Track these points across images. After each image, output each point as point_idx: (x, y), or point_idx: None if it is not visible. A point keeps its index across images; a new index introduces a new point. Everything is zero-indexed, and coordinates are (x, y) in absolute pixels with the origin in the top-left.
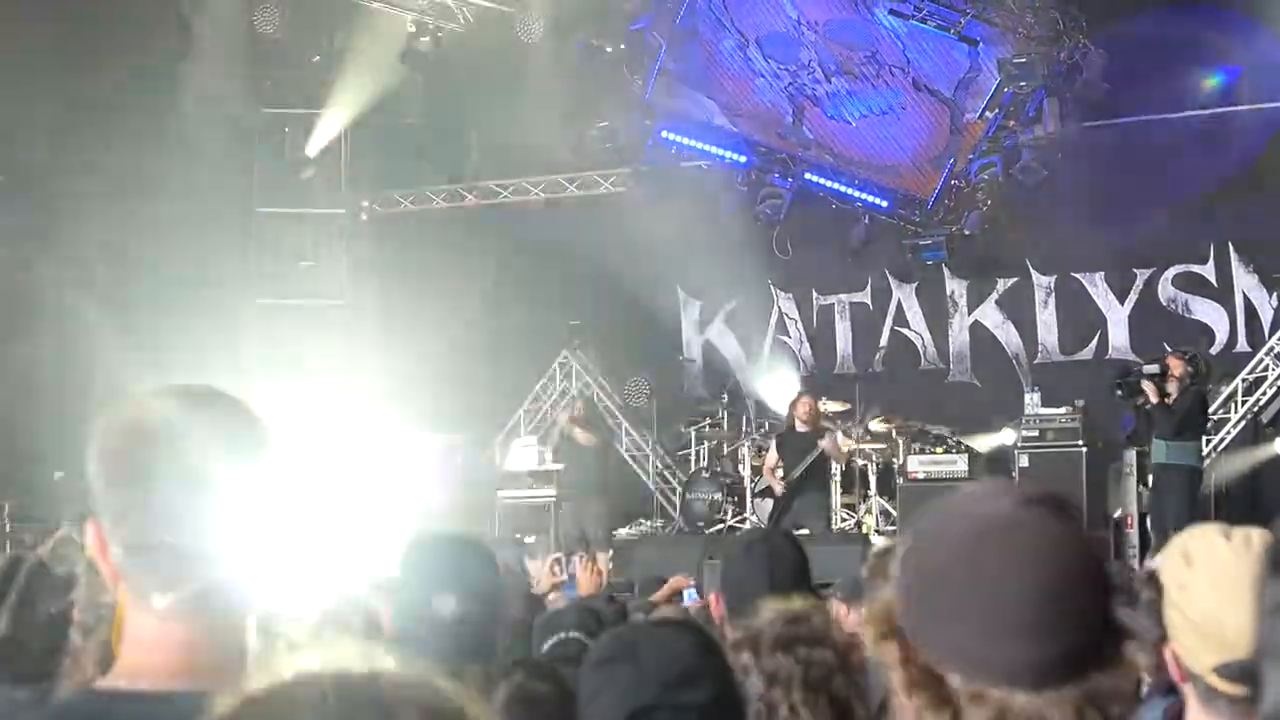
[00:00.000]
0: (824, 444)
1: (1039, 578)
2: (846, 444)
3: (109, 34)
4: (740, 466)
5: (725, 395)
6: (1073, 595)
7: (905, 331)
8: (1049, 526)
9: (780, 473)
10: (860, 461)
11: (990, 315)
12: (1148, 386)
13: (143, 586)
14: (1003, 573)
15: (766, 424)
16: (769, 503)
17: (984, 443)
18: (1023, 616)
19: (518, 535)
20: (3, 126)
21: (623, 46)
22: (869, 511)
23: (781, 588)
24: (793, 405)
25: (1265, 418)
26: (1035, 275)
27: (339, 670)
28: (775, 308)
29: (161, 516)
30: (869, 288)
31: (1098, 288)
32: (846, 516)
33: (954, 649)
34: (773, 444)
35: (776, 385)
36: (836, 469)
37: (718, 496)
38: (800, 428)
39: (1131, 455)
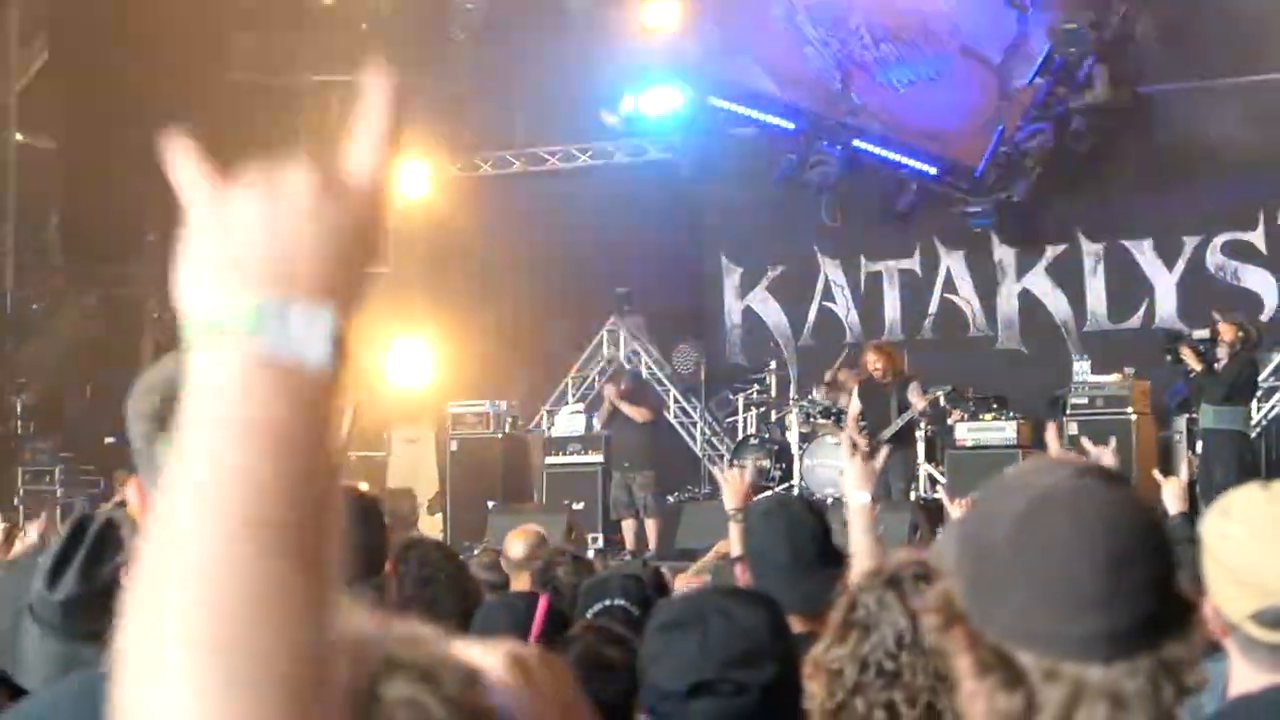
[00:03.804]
0: (920, 405)
1: (1106, 546)
2: (921, 401)
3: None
4: (787, 433)
5: (772, 362)
6: (1140, 563)
7: (954, 298)
8: (1108, 494)
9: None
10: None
11: (1039, 282)
12: (1187, 354)
13: None
14: (1069, 543)
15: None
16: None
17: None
18: (1093, 587)
19: (565, 502)
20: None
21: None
22: (916, 479)
23: (802, 555)
24: (867, 353)
25: None
26: (1084, 242)
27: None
28: (822, 275)
29: None
30: (917, 254)
31: (1146, 255)
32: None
33: (1023, 626)
34: (854, 394)
35: (823, 352)
36: (922, 428)
37: (765, 463)
38: (880, 379)
39: (1182, 422)
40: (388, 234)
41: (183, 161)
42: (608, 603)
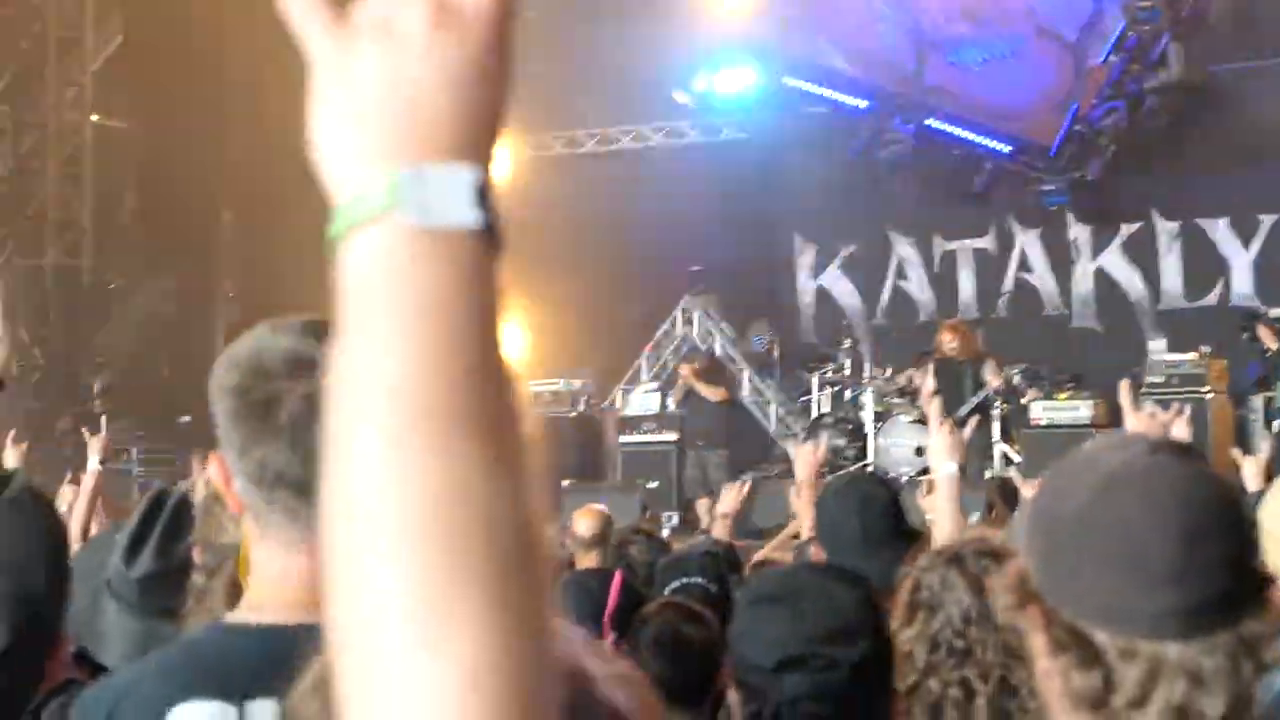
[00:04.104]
0: (995, 384)
1: (1179, 521)
2: (996, 380)
3: None
4: (861, 413)
5: (845, 341)
6: (1215, 538)
7: (1029, 277)
8: (1182, 469)
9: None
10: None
11: (1114, 261)
12: (1263, 332)
13: (267, 519)
14: (1141, 519)
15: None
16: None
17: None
18: (1169, 562)
19: (639, 480)
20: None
21: None
22: (991, 458)
23: (873, 532)
24: (942, 332)
25: None
26: (1159, 220)
27: None
28: (895, 254)
29: (284, 449)
30: (992, 233)
31: (1221, 233)
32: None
33: (1099, 603)
34: (930, 369)
35: (895, 331)
36: (997, 409)
37: (839, 442)
38: (956, 357)
39: (1258, 401)
40: (514, 60)
41: (299, 10)
42: (685, 580)
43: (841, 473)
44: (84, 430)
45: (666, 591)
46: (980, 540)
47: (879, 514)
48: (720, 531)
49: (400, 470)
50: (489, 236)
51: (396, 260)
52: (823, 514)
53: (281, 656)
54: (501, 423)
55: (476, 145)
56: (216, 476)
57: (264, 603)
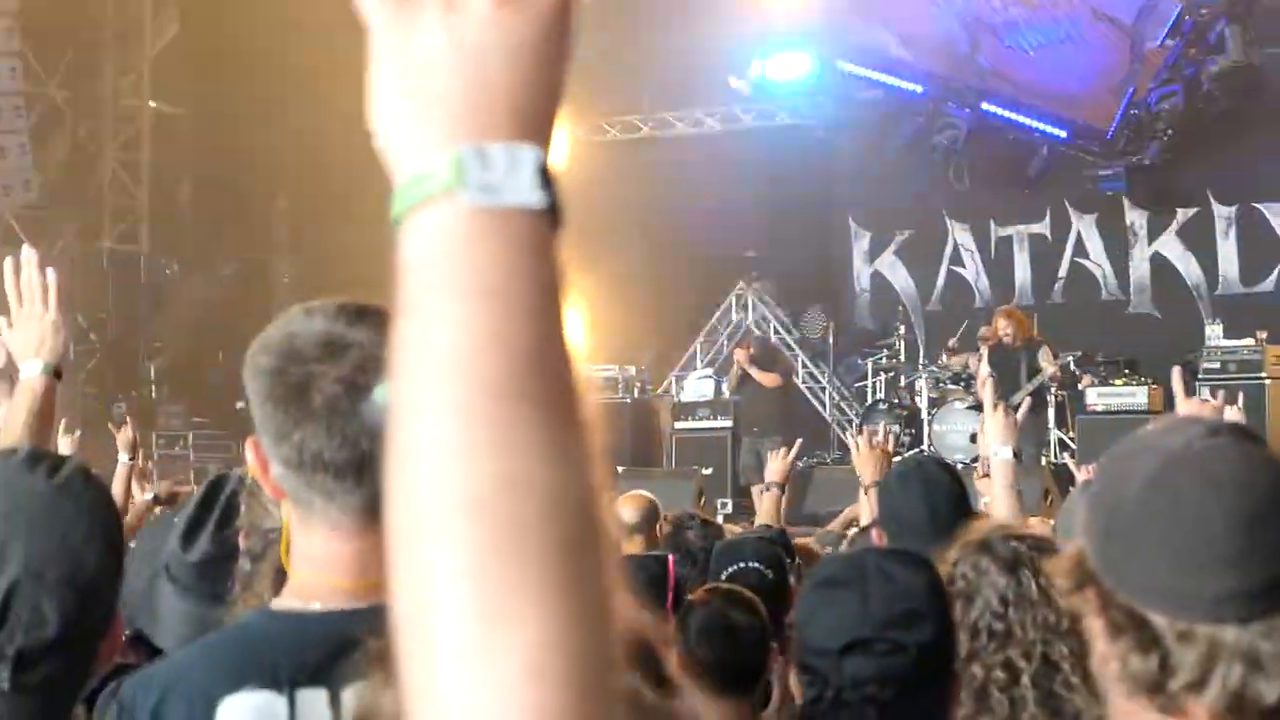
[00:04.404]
0: (1051, 370)
1: (1241, 504)
2: (1052, 366)
3: None
4: (917, 398)
5: (900, 326)
6: (1275, 521)
7: (1085, 262)
8: (1241, 451)
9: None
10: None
11: (1170, 246)
12: None
13: (308, 504)
14: (1203, 501)
15: (944, 355)
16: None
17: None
18: (1228, 545)
19: (694, 466)
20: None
21: None
22: (1047, 444)
23: (939, 516)
24: (996, 319)
25: None
26: (1216, 205)
27: None
28: (951, 239)
29: (320, 432)
30: (1048, 218)
31: (1279, 218)
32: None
33: (1157, 586)
34: (983, 355)
35: (951, 317)
36: (1053, 393)
37: (895, 428)
38: (1010, 344)
39: None
40: (577, 31)
41: None
42: (741, 565)
43: (903, 457)
44: (111, 425)
45: (723, 576)
46: (1005, 527)
47: (944, 498)
48: (769, 503)
49: (462, 451)
50: (551, 216)
51: (459, 240)
52: (886, 499)
53: (331, 644)
54: (564, 404)
55: (539, 124)
56: (253, 462)
57: (310, 589)
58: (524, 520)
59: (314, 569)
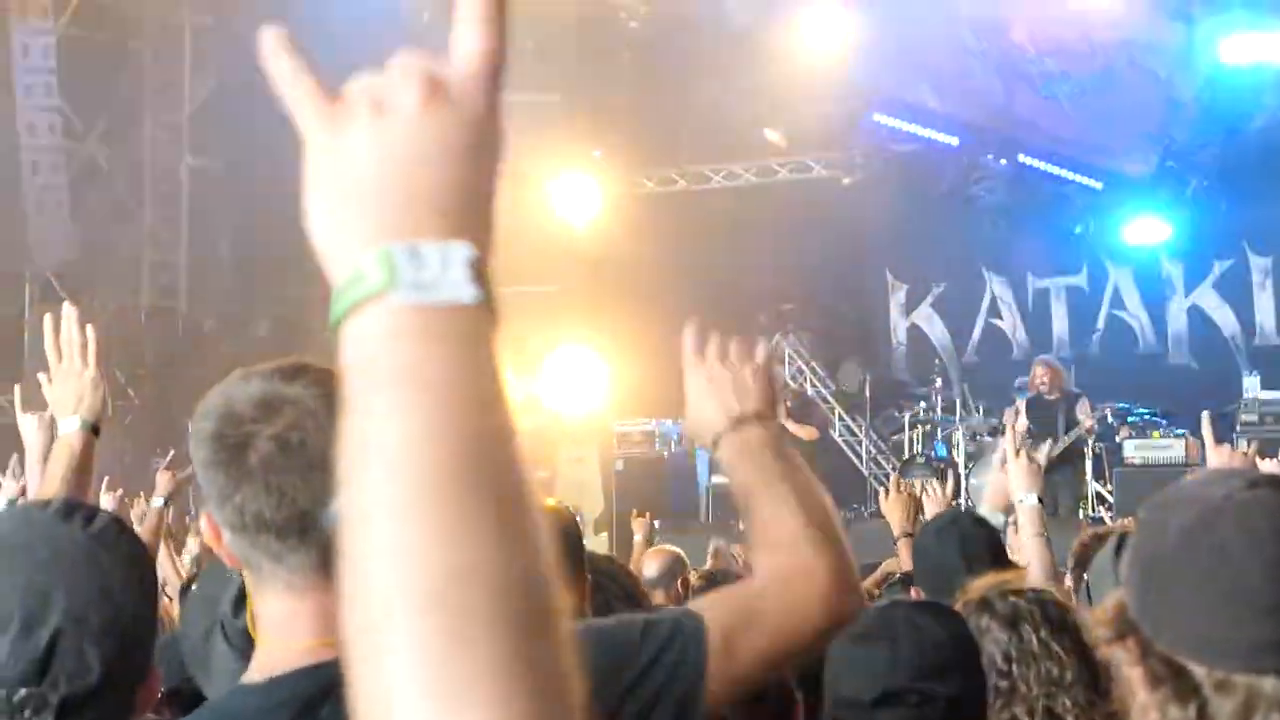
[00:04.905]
0: (1088, 423)
1: (1278, 553)
2: (1089, 419)
3: None
4: (954, 451)
5: (937, 380)
6: None
7: (1122, 314)
8: None
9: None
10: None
11: (1207, 297)
12: None
13: (258, 567)
14: (1243, 552)
15: (980, 407)
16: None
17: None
18: (1266, 595)
19: (731, 521)
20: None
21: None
22: (1084, 497)
23: (977, 569)
24: (1034, 368)
25: None
26: (1252, 256)
27: None
28: (988, 291)
29: (259, 492)
30: (1085, 270)
31: None
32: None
33: (1195, 636)
34: (1021, 406)
35: (988, 369)
36: (1090, 446)
37: (932, 481)
38: (1047, 395)
39: None
40: (507, 131)
41: (287, 74)
42: None
43: (939, 513)
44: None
45: None
46: (1001, 583)
47: (980, 552)
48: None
49: (411, 548)
50: (487, 310)
51: (396, 338)
52: (922, 554)
53: (297, 705)
54: (508, 491)
55: (472, 220)
56: (208, 533)
57: (273, 657)
58: (475, 610)
59: (275, 633)
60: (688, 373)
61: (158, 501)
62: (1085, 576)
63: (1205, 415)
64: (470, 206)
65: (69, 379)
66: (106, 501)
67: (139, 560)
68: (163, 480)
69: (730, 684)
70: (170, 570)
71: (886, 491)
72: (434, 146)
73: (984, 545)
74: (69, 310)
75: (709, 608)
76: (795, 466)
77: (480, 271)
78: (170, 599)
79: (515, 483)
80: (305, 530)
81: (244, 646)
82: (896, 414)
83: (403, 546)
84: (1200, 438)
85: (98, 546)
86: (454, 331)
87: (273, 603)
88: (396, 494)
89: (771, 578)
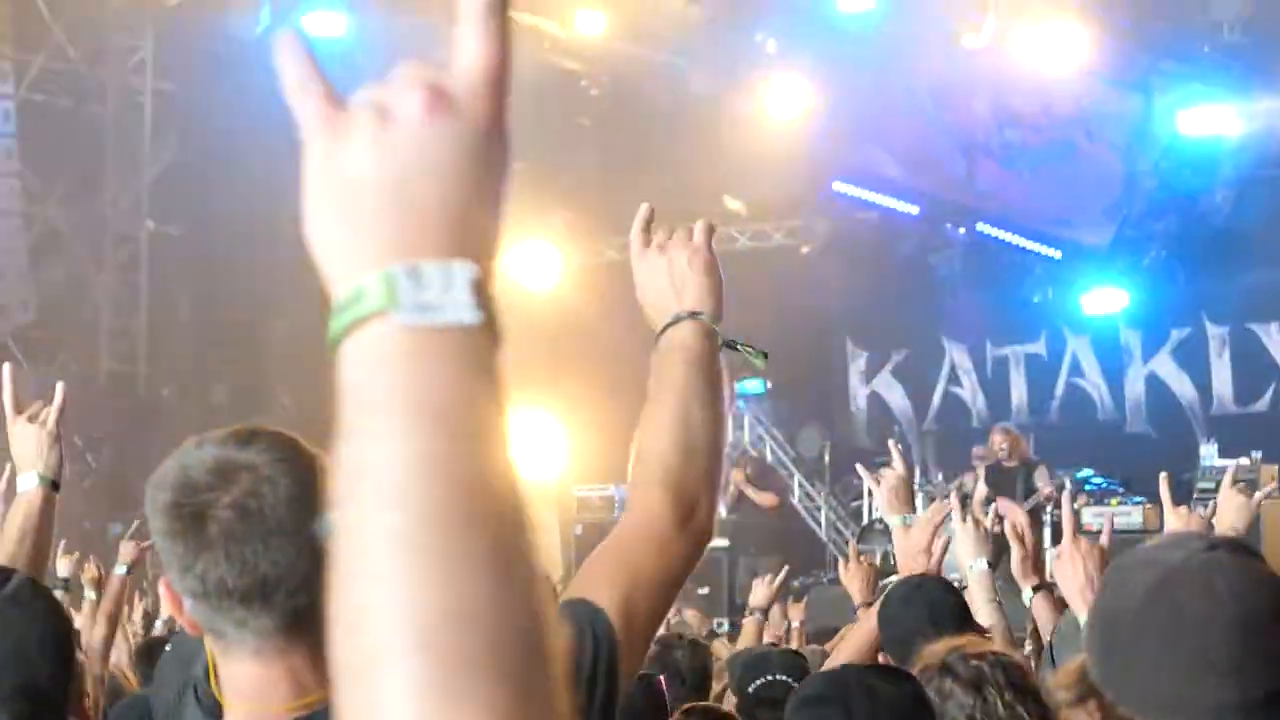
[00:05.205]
0: (1047, 490)
1: (1236, 615)
2: (1048, 486)
3: None
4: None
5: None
6: (1272, 632)
7: (1081, 382)
8: (1240, 565)
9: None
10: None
11: (1165, 366)
12: None
13: (223, 634)
14: (1198, 612)
15: (940, 474)
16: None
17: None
18: (1226, 656)
19: (690, 586)
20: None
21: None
22: (1043, 563)
23: (945, 633)
24: (993, 435)
25: None
26: (1209, 325)
27: None
28: (948, 359)
29: (220, 559)
30: (1043, 339)
31: (1273, 338)
32: None
33: (1157, 697)
34: (980, 476)
35: (948, 436)
36: (1049, 512)
37: (890, 548)
38: (1006, 462)
39: None
40: (511, 144)
41: (294, 79)
42: (769, 678)
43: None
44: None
45: (749, 690)
46: (961, 646)
47: (948, 617)
48: (751, 627)
49: (406, 583)
50: (489, 332)
51: (396, 360)
52: (889, 621)
53: None
54: (507, 529)
55: (475, 239)
56: (169, 603)
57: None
58: (471, 655)
59: (247, 699)
60: (635, 260)
61: (120, 570)
62: (1048, 640)
63: (1163, 476)
64: (474, 223)
65: (26, 437)
66: (63, 566)
67: (54, 620)
68: (126, 549)
69: (631, 656)
70: (120, 638)
71: (846, 561)
72: (437, 159)
73: (950, 611)
74: (7, 370)
75: (600, 584)
76: (692, 378)
77: (483, 292)
78: (124, 672)
79: (513, 519)
80: (268, 596)
81: (216, 711)
82: (856, 481)
83: (400, 581)
84: (1159, 501)
85: (11, 607)
86: (455, 354)
87: (241, 670)
88: (393, 524)
89: (638, 521)
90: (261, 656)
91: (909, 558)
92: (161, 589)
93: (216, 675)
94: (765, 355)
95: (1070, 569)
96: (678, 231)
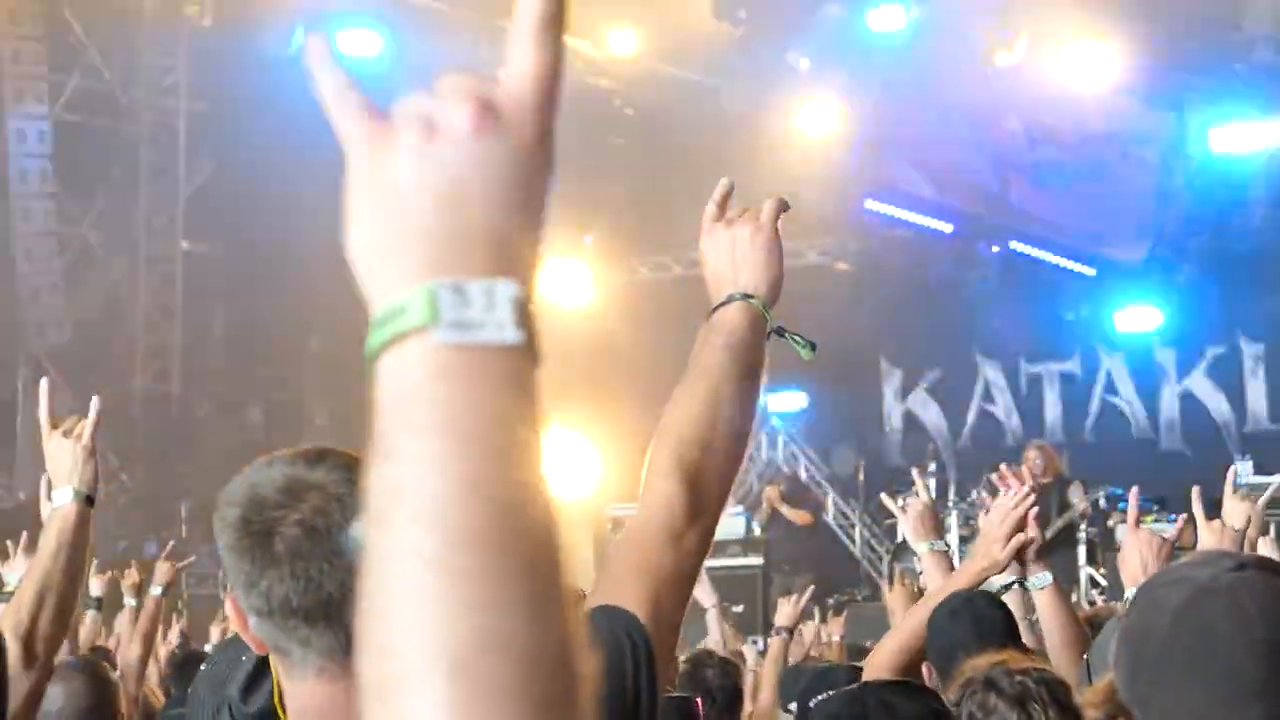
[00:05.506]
0: (1081, 506)
1: (1265, 634)
2: (1083, 503)
3: None
4: (947, 535)
5: (931, 464)
6: None
7: (1115, 400)
8: (1269, 585)
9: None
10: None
11: (1200, 384)
12: None
13: (288, 652)
14: (1227, 632)
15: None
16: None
17: None
18: (1255, 676)
19: (725, 604)
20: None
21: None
22: (1078, 581)
23: (991, 647)
24: (1027, 451)
25: None
26: (1244, 343)
27: None
28: (981, 377)
29: (285, 577)
30: (1078, 357)
31: None
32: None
33: (1186, 716)
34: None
35: (982, 455)
36: (1084, 529)
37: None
38: (1040, 478)
39: None
40: (556, 161)
41: (331, 89)
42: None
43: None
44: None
45: (812, 705)
46: (1004, 661)
47: (995, 633)
48: (777, 647)
49: (439, 606)
50: (529, 352)
51: (434, 379)
52: (936, 633)
53: None
54: (542, 554)
55: (518, 258)
56: (234, 618)
57: None
58: (502, 682)
59: (307, 719)
60: (704, 234)
61: (155, 590)
62: (1085, 657)
63: (1195, 490)
64: (518, 241)
65: (61, 451)
66: (96, 586)
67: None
68: (162, 570)
69: (663, 657)
70: (151, 659)
71: (891, 584)
72: (484, 176)
73: (996, 622)
74: (45, 385)
75: (625, 586)
76: (728, 366)
77: (525, 311)
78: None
79: (547, 542)
80: (332, 615)
81: None
82: (890, 498)
83: (432, 604)
84: (1192, 516)
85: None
86: (495, 374)
87: (306, 689)
88: (427, 547)
89: (653, 515)
90: (325, 675)
91: (986, 543)
92: (227, 606)
93: (281, 694)
94: (814, 346)
95: (1129, 557)
96: (750, 209)
